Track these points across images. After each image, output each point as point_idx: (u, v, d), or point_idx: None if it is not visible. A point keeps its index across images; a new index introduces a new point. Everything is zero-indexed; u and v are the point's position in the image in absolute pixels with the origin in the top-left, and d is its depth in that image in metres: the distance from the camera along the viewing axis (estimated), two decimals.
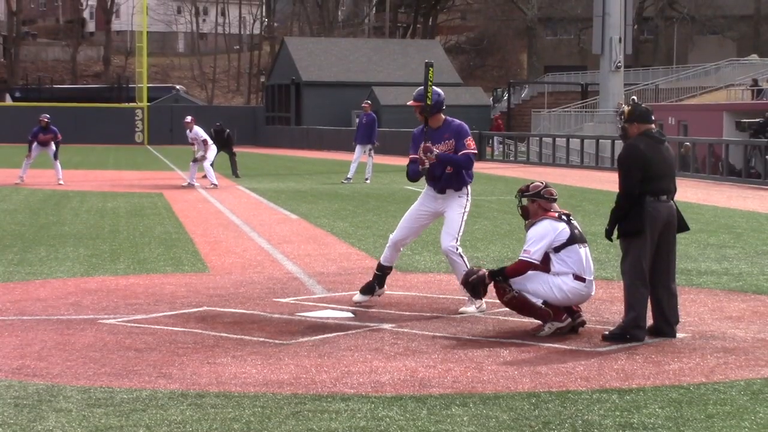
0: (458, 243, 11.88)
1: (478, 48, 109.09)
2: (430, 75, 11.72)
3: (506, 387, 8.51)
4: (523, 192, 10.93)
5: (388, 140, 61.19)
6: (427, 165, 11.69)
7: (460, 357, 9.57)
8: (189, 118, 32.85)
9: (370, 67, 73.98)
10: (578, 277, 10.54)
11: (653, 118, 10.53)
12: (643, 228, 10.12)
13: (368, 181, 33.77)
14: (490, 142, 57.90)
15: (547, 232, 10.56)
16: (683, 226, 10.59)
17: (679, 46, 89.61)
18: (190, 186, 31.46)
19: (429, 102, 11.69)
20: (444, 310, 11.91)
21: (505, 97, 79.50)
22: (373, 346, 9.98)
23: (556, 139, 52.14)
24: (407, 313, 11.74)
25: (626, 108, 10.56)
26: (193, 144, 32.63)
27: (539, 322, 10.64)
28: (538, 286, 10.52)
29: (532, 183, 11.02)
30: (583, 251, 10.63)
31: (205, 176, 32.23)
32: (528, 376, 8.86)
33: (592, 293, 10.78)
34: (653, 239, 10.20)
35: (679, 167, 40.62)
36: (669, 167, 10.44)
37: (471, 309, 11.69)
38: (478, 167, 41.95)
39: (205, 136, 32.39)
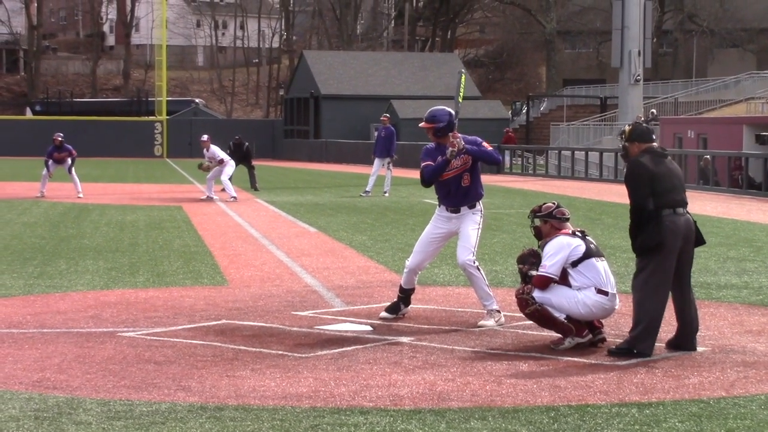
0: (475, 257, 11.90)
1: (497, 61, 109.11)
2: (462, 81, 11.94)
3: (525, 400, 8.49)
4: (535, 213, 10.95)
5: (406, 153, 61.18)
6: (457, 147, 11.59)
7: (479, 370, 9.56)
8: (206, 137, 32.70)
9: (388, 81, 74.04)
10: (600, 291, 10.52)
11: (654, 136, 10.49)
12: (663, 241, 10.06)
13: (387, 194, 33.77)
14: (509, 155, 57.84)
15: (562, 246, 10.57)
16: (699, 240, 10.52)
17: (699, 59, 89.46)
18: (209, 199, 31.51)
19: (460, 99, 12.18)
20: (463, 323, 11.90)
21: (524, 111, 79.46)
22: (391, 359, 9.98)
23: (575, 152, 52.08)
24: (426, 326, 11.74)
25: (627, 127, 10.54)
26: (210, 161, 32.56)
27: (559, 335, 10.62)
28: (562, 300, 10.50)
29: (544, 204, 11.03)
30: (601, 265, 10.61)
31: (223, 189, 32.27)
32: (547, 390, 8.84)
33: (616, 307, 10.76)
34: (674, 252, 10.14)
35: (698, 181, 40.56)
36: (678, 179, 10.40)
37: (490, 322, 11.69)
38: (497, 180, 41.97)
39: (222, 155, 32.26)
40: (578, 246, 10.59)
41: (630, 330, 10.29)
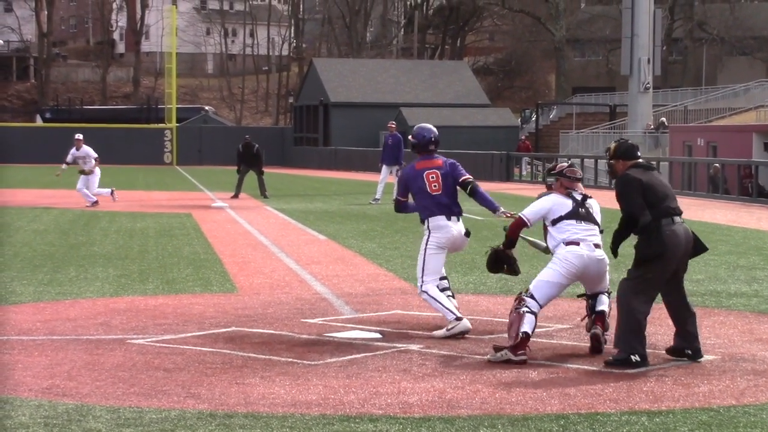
0: (423, 284, 11.60)
1: (506, 69, 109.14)
2: (528, 241, 11.51)
3: (534, 408, 8.48)
4: (549, 171, 11.10)
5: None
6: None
7: (489, 378, 9.55)
8: (80, 136, 32.69)
9: (398, 88, 74.09)
10: (569, 242, 10.52)
11: (639, 153, 10.48)
12: (664, 251, 10.03)
13: None
14: (518, 163, 57.85)
15: (547, 201, 10.71)
16: (701, 247, 10.50)
17: (709, 67, 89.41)
18: (96, 204, 31.47)
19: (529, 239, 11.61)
20: (472, 331, 11.88)
21: (533, 118, 79.45)
22: (401, 366, 9.98)
23: (585, 160, 52.04)
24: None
25: (612, 145, 10.57)
26: (77, 162, 32.24)
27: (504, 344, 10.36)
28: (544, 270, 10.51)
29: (558, 163, 11.04)
30: (573, 223, 10.57)
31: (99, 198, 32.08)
32: (556, 398, 8.83)
33: (599, 257, 10.58)
34: (674, 261, 10.12)
35: (708, 189, 40.51)
36: (669, 189, 10.39)
37: (440, 333, 11.46)
38: (506, 188, 41.91)
39: (94, 157, 32.10)
40: (564, 204, 10.65)
41: (615, 336, 10.13)
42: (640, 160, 10.39)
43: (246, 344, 11.01)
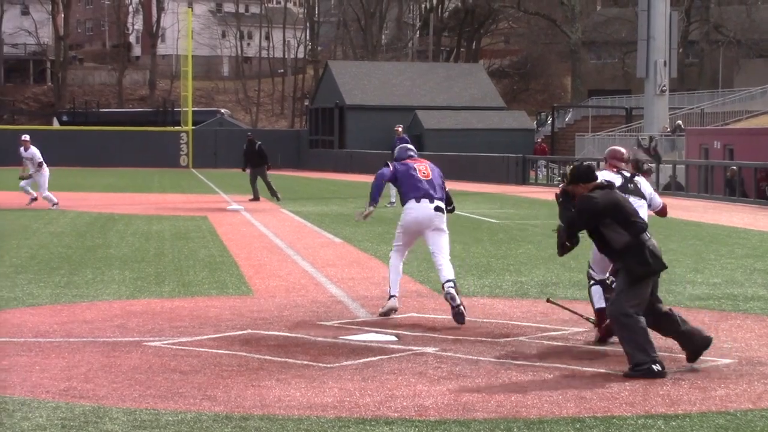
0: (393, 249, 13.37)
1: (522, 72, 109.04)
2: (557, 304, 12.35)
3: (550, 412, 8.48)
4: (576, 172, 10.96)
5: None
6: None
7: (504, 381, 9.55)
8: (27, 137, 32.80)
9: (413, 91, 74.08)
10: None
11: (596, 174, 10.49)
12: (661, 267, 10.07)
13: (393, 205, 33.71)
14: (534, 166, 57.78)
15: (600, 177, 10.65)
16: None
17: (725, 69, 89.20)
18: (35, 200, 31.63)
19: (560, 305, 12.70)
20: (488, 334, 11.89)
21: (549, 121, 79.37)
22: (416, 369, 9.98)
23: (600, 163, 51.97)
24: (451, 337, 11.73)
25: (569, 169, 10.62)
26: (25, 164, 32.31)
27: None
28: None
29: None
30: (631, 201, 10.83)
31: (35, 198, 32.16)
32: (572, 401, 8.83)
33: None
34: (655, 275, 10.11)
35: (725, 192, 40.42)
36: (633, 205, 10.45)
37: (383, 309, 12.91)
38: (522, 191, 41.88)
39: (41, 159, 32.14)
40: (614, 180, 11.21)
41: (626, 354, 9.94)
42: (601, 181, 10.37)
43: (262, 347, 11.02)
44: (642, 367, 9.71)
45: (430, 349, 10.96)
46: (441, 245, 13.00)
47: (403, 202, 13.14)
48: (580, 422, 8.15)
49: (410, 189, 13.08)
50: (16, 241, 21.92)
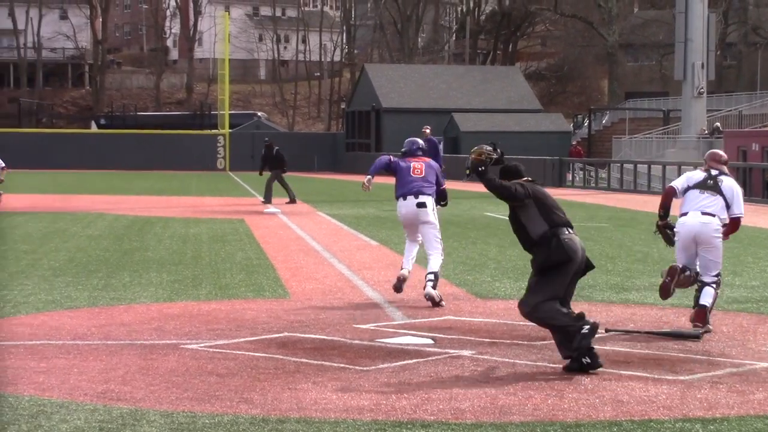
0: None
1: (559, 74, 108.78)
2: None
3: (587, 415, 8.45)
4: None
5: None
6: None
7: (541, 384, 9.53)
8: None
9: (449, 94, 74.04)
10: (682, 214, 12.22)
11: (523, 170, 10.67)
12: (569, 258, 10.07)
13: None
14: (571, 168, 57.63)
15: (687, 173, 12.55)
16: (590, 265, 10.45)
17: (763, 71, 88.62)
18: None
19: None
20: (524, 337, 11.87)
21: (586, 124, 79.14)
22: (453, 372, 9.97)
23: (638, 165, 51.79)
24: (487, 339, 11.72)
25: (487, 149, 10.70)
26: None
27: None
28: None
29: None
30: (696, 193, 12.20)
31: None
32: (609, 405, 8.80)
33: (703, 222, 12.04)
34: (573, 269, 10.16)
35: (763, 194, 40.17)
36: (557, 202, 10.51)
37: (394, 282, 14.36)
38: (559, 194, 41.78)
39: (3, 163, 31.30)
40: (697, 175, 12.42)
41: (558, 346, 10.10)
42: (528, 178, 10.56)
43: (298, 349, 11.04)
44: (573, 365, 9.92)
45: (466, 352, 10.95)
46: (428, 237, 14.67)
47: (396, 197, 14.76)
48: (617, 426, 8.12)
49: (400, 185, 14.71)
50: (54, 244, 22.05)
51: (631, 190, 50.14)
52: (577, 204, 38.23)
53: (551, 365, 10.36)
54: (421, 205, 14.55)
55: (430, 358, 10.62)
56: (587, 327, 9.95)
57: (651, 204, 38.38)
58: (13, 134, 78.37)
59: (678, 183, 12.47)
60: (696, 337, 11.63)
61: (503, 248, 21.49)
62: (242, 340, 11.58)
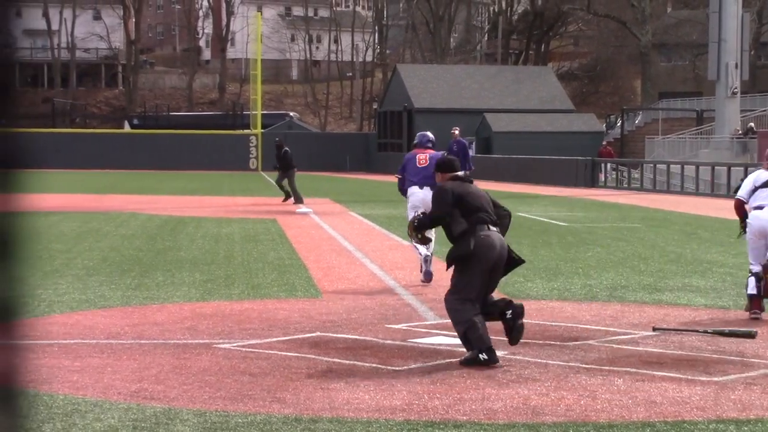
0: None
1: (591, 74, 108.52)
2: None
3: (620, 416, 8.42)
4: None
5: (501, 166, 61.06)
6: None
7: (573, 385, 9.50)
8: None
9: (482, 94, 73.97)
10: (755, 207, 13.11)
11: (457, 166, 11.31)
12: (476, 253, 10.33)
13: None
14: (603, 168, 57.47)
15: (752, 175, 13.49)
16: (517, 260, 10.76)
17: None
18: None
19: None
20: (557, 337, 11.84)
21: (619, 124, 78.89)
22: (485, 373, 9.96)
23: (671, 165, 51.60)
24: (520, 340, 11.67)
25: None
26: None
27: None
28: None
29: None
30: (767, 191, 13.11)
31: None
32: (642, 405, 8.76)
33: (763, 218, 13.03)
34: (487, 264, 10.40)
35: None
36: (486, 202, 10.77)
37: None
38: (591, 194, 41.69)
39: None
40: (763, 175, 13.22)
41: (460, 339, 10.42)
42: (459, 173, 11.13)
43: (330, 349, 11.06)
44: (468, 357, 10.21)
45: (498, 353, 10.92)
46: None
47: (407, 185, 16.85)
48: (650, 427, 8.09)
49: (410, 174, 16.86)
50: (87, 243, 22.16)
51: (664, 190, 49.97)
52: (609, 204, 38.11)
53: (584, 366, 10.33)
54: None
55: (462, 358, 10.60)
56: (483, 357, 10.14)
57: (684, 204, 38.25)
58: (47, 134, 78.81)
59: (743, 192, 13.37)
60: (750, 336, 11.60)
61: (535, 248, 21.46)
62: (275, 339, 11.60)
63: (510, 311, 10.40)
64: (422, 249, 16.05)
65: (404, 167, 17.04)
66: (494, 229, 10.56)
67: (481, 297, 10.41)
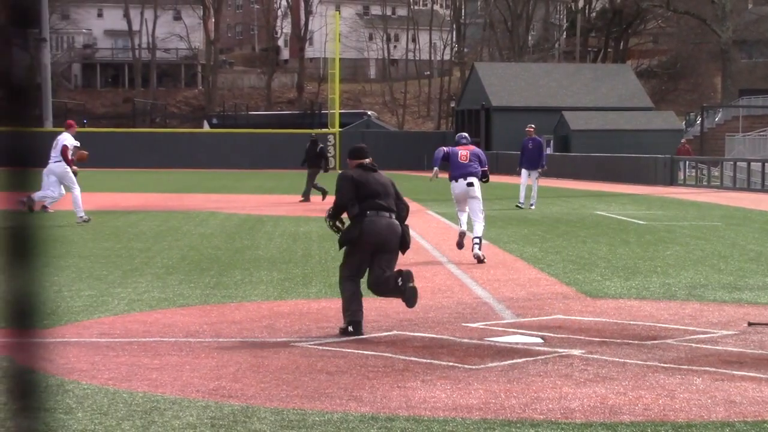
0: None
1: (671, 72, 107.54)
2: None
3: (699, 416, 8.35)
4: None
5: (579, 165, 60.73)
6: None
7: (651, 384, 9.44)
8: None
9: (560, 92, 73.61)
10: None
11: (366, 154, 12.27)
12: (361, 237, 11.60)
13: (533, 207, 33.55)
14: (683, 166, 56.94)
15: None
16: (406, 243, 11.92)
17: None
18: None
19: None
20: (635, 336, 11.77)
21: (698, 122, 78.10)
22: (562, 372, 9.92)
23: (752, 163, 50.98)
24: (597, 339, 11.64)
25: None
26: None
27: None
28: None
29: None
30: None
31: None
32: (722, 405, 8.68)
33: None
34: (369, 247, 11.66)
35: None
36: (383, 188, 11.91)
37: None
38: (670, 192, 41.36)
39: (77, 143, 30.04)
40: None
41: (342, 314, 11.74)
42: (365, 161, 12.11)
43: (407, 348, 11.07)
44: (341, 327, 11.75)
45: (576, 352, 10.88)
46: (474, 209, 19.12)
47: (450, 179, 19.27)
48: (729, 426, 8.01)
49: (454, 169, 19.16)
50: (167, 242, 22.37)
51: (745, 188, 49.38)
52: (688, 203, 37.76)
53: (662, 365, 10.26)
54: (470, 184, 19.09)
55: (539, 357, 10.58)
56: (350, 329, 11.61)
57: (765, 203, 37.76)
58: (128, 134, 79.64)
59: None
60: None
61: (613, 247, 21.31)
62: (352, 338, 11.64)
63: (400, 278, 11.62)
64: (462, 220, 19.25)
65: (448, 155, 19.21)
66: (387, 214, 11.71)
67: (361, 274, 11.74)
